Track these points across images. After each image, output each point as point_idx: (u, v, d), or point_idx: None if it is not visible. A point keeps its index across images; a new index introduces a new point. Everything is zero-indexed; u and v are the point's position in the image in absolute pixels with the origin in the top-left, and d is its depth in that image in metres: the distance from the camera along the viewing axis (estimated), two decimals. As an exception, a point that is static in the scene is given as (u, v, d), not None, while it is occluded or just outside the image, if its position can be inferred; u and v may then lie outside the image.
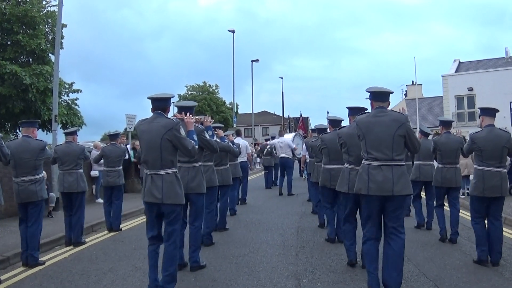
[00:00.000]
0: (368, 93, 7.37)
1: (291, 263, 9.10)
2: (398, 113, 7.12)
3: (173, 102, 10.34)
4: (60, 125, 26.34)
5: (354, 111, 8.93)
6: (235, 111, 58.38)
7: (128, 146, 21.53)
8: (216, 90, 65.75)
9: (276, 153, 22.68)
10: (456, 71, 50.84)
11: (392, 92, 7.33)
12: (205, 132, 8.79)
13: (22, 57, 25.43)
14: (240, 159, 16.02)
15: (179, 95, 65.08)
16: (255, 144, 46.28)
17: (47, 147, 9.93)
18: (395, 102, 70.83)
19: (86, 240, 11.77)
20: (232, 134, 15.44)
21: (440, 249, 10.18)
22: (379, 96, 7.25)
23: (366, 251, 7.27)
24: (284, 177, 21.79)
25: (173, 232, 7.19)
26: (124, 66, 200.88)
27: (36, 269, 9.21)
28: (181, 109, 8.37)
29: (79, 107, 27.68)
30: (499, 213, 9.01)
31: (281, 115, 78.66)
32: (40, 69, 23.81)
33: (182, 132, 7.14)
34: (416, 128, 38.19)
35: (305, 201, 18.26)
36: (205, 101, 61.97)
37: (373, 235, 7.19)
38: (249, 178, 21.01)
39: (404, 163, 7.08)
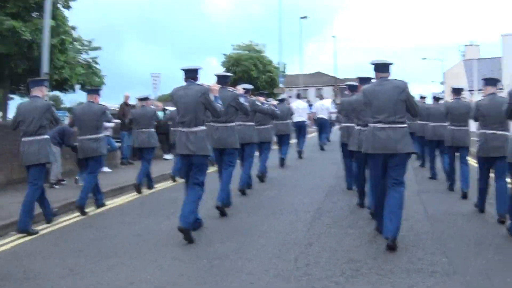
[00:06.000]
0: (373, 66, 8.17)
1: (282, 276, 6.64)
2: (399, 81, 8.02)
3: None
4: (79, 86, 24.63)
5: (363, 81, 9.79)
6: (282, 70, 55.61)
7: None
8: (263, 49, 62.68)
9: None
10: (516, 31, 47.40)
11: (392, 64, 8.12)
12: (239, 97, 10.37)
13: (31, 13, 22.94)
14: (299, 119, 20.67)
15: (225, 55, 62.52)
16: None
17: (53, 108, 9.92)
18: (453, 63, 67.63)
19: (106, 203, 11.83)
20: (280, 100, 19.65)
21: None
22: (381, 68, 8.12)
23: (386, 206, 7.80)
24: (321, 134, 24.56)
25: (199, 183, 8.55)
26: (183, 26, 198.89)
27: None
28: (219, 78, 10.51)
29: (99, 65, 25.69)
30: (504, 172, 9.38)
31: (336, 76, 77.08)
32: (43, 23, 21.48)
33: (212, 96, 8.59)
34: (472, 91, 35.54)
35: (338, 171, 15.56)
36: (251, 60, 59.06)
37: (382, 191, 7.96)
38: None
39: (406, 125, 7.91)
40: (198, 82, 8.75)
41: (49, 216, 9.98)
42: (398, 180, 7.81)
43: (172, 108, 21.81)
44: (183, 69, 8.80)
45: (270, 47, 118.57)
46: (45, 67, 14.97)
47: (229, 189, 10.52)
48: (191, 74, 8.73)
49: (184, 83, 8.74)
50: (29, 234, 9.07)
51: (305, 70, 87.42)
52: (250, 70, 57.43)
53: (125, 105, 19.24)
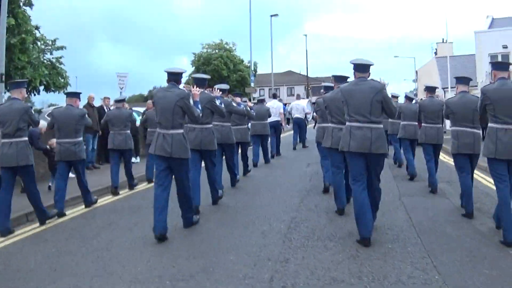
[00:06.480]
0: (352, 65, 8.24)
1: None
2: (376, 82, 8.14)
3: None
4: (42, 87, 23.69)
5: (338, 79, 10.27)
6: (253, 69, 54.74)
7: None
8: (233, 48, 61.82)
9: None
10: (489, 28, 47.20)
11: (372, 64, 8.20)
12: (215, 99, 10.58)
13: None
14: (274, 119, 20.73)
15: (194, 53, 61.58)
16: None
17: (32, 110, 10.03)
18: (425, 61, 67.52)
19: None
20: (260, 100, 19.98)
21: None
22: (361, 68, 8.20)
23: (361, 204, 7.91)
24: (297, 134, 24.53)
25: (182, 180, 8.89)
26: (153, 25, 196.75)
27: None
28: (196, 80, 10.60)
29: (64, 65, 24.62)
30: (472, 169, 10.04)
31: (308, 75, 76.93)
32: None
33: (191, 101, 8.77)
34: (446, 88, 36.08)
35: (313, 174, 15.40)
36: (221, 59, 58.22)
37: (361, 186, 8.00)
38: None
39: (382, 125, 8.11)
40: (180, 86, 9.10)
41: (4, 229, 9.30)
42: (374, 180, 8.22)
43: (140, 109, 21.03)
44: (166, 71, 8.99)
45: (241, 46, 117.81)
46: (0, 67, 13.87)
47: (216, 186, 11.15)
48: (174, 77, 8.95)
49: (167, 84, 8.99)
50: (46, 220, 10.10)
51: (277, 69, 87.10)
52: (220, 69, 56.95)
53: (89, 106, 18.32)
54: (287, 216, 9.80)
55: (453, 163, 10.56)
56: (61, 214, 10.62)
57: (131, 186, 13.95)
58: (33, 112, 10.01)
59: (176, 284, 6.30)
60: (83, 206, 11.56)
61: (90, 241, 8.59)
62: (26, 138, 9.75)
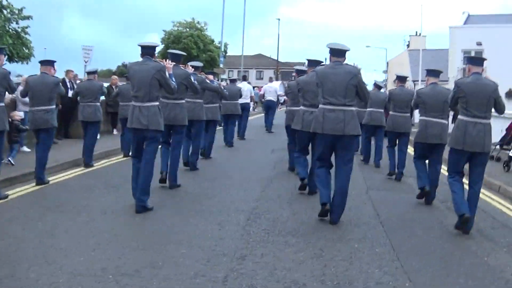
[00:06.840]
0: (329, 49, 8.36)
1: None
2: (352, 66, 8.44)
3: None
4: (6, 58, 23.01)
5: (312, 63, 10.55)
6: (223, 50, 54.13)
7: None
8: (204, 28, 61.04)
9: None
10: (464, 24, 46.97)
11: (349, 50, 8.32)
12: (191, 76, 10.76)
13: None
14: (243, 100, 20.66)
15: (164, 31, 60.72)
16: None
17: (9, 76, 9.84)
18: (397, 53, 67.50)
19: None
20: (232, 80, 21.07)
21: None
22: (337, 52, 8.32)
23: (319, 175, 8.49)
24: (268, 116, 24.96)
25: (150, 155, 8.89)
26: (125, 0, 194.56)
27: None
28: (171, 55, 10.64)
29: (30, 35, 23.84)
30: (439, 159, 10.33)
31: (278, 59, 76.55)
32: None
33: (167, 73, 8.88)
34: (417, 81, 36.14)
35: (278, 161, 14.87)
36: (191, 38, 57.41)
37: (325, 164, 8.50)
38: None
39: (354, 108, 8.30)
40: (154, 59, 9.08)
41: None
42: (347, 158, 8.29)
43: (105, 84, 20.42)
44: (140, 45, 9.09)
45: (212, 26, 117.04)
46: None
47: (177, 169, 10.89)
48: (148, 51, 9.05)
49: (141, 59, 9.03)
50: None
51: (247, 51, 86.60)
52: (190, 48, 56.07)
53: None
54: (247, 206, 9.19)
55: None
56: (41, 183, 10.72)
57: (88, 164, 13.19)
58: (10, 78, 9.87)
59: (120, 280, 5.61)
60: (34, 184, 10.73)
61: (34, 223, 7.81)
62: (3, 104, 9.54)
